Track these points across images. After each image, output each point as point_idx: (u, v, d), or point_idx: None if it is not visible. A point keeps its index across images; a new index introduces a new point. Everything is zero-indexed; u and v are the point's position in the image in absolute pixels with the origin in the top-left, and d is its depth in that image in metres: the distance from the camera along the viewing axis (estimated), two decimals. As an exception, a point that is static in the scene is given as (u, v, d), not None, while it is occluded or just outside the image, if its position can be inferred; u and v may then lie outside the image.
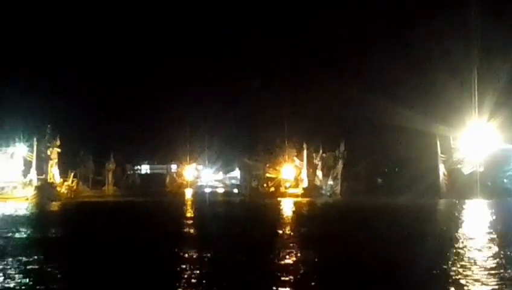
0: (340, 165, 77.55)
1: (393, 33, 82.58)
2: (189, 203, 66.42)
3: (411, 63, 78.30)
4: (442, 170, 68.73)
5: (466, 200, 58.24)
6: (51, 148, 71.76)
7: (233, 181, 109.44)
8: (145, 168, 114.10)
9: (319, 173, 79.55)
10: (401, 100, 73.98)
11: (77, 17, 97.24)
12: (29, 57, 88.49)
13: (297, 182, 79.53)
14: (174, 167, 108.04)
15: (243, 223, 39.05)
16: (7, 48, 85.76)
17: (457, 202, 56.50)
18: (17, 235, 30.82)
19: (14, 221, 40.15)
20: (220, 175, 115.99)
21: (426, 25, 75.81)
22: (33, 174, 70.32)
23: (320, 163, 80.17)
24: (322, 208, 57.22)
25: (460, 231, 31.35)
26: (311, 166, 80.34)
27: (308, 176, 79.19)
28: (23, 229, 34.17)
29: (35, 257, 22.43)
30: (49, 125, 72.14)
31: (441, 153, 68.93)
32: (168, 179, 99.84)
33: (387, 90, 78.07)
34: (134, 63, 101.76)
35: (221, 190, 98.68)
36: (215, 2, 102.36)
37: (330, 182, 77.34)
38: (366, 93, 76.72)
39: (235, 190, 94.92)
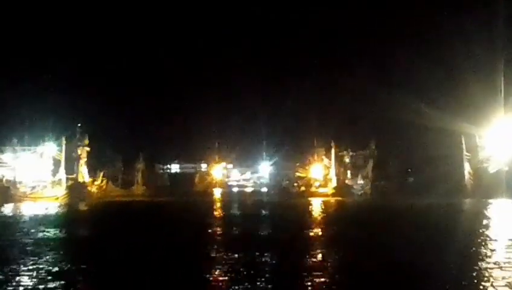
0: (370, 164, 76.66)
1: (417, 31, 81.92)
2: (217, 203, 65.89)
3: (436, 61, 77.47)
4: (467, 169, 66.83)
5: (492, 200, 56.28)
6: (81, 147, 71.76)
7: (261, 180, 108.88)
8: (175, 168, 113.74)
9: (349, 172, 79.02)
10: (426, 98, 72.99)
11: (104, 17, 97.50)
12: (57, 57, 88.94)
13: (326, 181, 79.00)
14: (204, 166, 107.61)
15: (277, 224, 38.31)
16: (36, 50, 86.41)
17: (483, 201, 54.63)
18: (55, 235, 30.72)
19: (51, 221, 40.10)
20: (248, 174, 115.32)
21: (451, 23, 75.02)
22: (62, 173, 70.39)
23: (349, 162, 79.65)
24: (357, 208, 56.17)
25: (494, 233, 30.51)
26: (341, 165, 79.78)
27: (337, 175, 78.61)
28: (62, 229, 34.11)
29: (80, 258, 22.38)
30: (79, 125, 72.21)
31: (466, 152, 67.09)
32: (197, 179, 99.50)
33: (412, 88, 77.23)
34: (165, 63, 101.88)
35: (249, 189, 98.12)
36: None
37: (361, 181, 76.53)
38: (391, 92, 75.75)
39: (263, 189, 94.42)
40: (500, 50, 66.69)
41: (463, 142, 67.12)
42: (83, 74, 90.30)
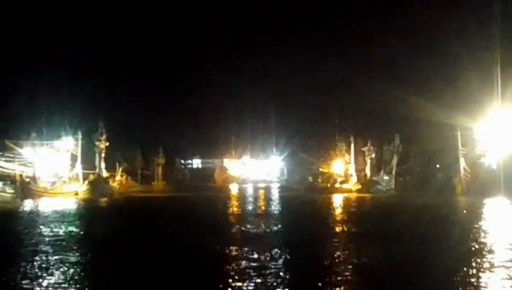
0: (395, 160, 75.20)
1: (411, 22, 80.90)
2: (236, 199, 64.56)
3: (430, 51, 76.39)
4: (462, 164, 62.96)
5: (488, 199, 51.78)
6: (102, 142, 70.51)
7: (279, 176, 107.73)
8: (196, 163, 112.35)
9: (371, 168, 78.03)
10: (419, 89, 71.54)
11: (124, 10, 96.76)
12: (77, 50, 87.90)
13: (347, 177, 77.98)
14: (226, 161, 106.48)
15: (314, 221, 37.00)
16: (56, 44, 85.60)
17: (479, 201, 50.09)
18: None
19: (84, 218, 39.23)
20: (266, 169, 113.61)
21: (447, 13, 74.03)
22: (78, 168, 69.16)
23: (373, 158, 78.51)
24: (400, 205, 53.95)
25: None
26: (363, 161, 78.73)
27: (360, 171, 77.63)
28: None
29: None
30: (101, 118, 70.91)
31: (462, 146, 63.47)
32: (215, 174, 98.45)
33: (405, 79, 75.92)
34: (187, 56, 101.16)
35: (269, 185, 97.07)
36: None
37: (386, 177, 75.13)
38: (384, 84, 74.20)
39: (281, 184, 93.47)
40: (496, 37, 64.49)
41: (458, 135, 63.17)
42: (102, 68, 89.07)
